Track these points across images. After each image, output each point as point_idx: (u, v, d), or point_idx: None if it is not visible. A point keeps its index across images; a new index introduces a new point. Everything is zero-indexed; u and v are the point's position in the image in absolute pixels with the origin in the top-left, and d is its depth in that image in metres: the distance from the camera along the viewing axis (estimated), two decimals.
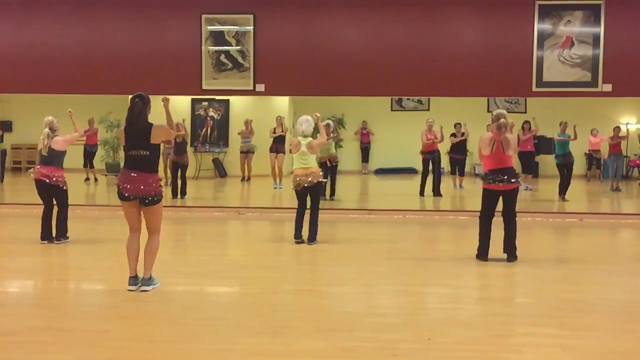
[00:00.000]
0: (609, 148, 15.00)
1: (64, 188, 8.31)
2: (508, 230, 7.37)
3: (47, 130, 8.15)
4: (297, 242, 8.34)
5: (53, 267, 7.42)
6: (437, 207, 12.48)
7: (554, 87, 11.98)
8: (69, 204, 8.46)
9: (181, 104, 17.77)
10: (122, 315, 5.33)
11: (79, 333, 4.83)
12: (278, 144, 15.07)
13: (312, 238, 8.33)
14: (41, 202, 8.41)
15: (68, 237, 8.35)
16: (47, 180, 8.16)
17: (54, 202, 8.34)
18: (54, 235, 8.29)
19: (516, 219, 7.40)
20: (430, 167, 13.72)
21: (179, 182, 12.86)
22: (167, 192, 12.56)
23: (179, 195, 12.79)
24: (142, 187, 5.85)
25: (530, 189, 14.91)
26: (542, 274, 6.95)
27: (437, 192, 13.59)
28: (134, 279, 5.97)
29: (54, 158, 8.19)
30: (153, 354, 4.43)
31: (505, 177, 7.19)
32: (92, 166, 16.14)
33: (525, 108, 19.20)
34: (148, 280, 5.98)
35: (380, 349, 4.53)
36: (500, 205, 7.40)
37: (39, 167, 8.23)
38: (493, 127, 7.34)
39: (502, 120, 7.21)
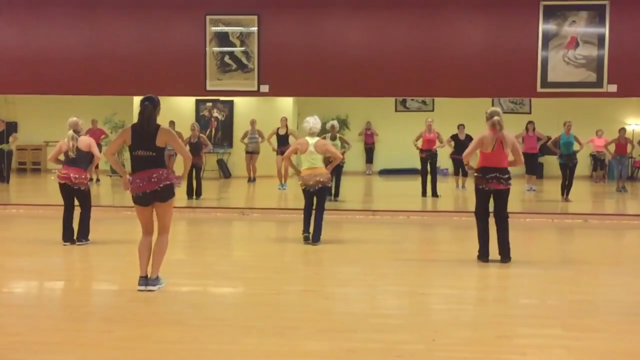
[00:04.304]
0: (615, 149, 14.95)
1: (87, 189, 8.31)
2: (500, 231, 7.36)
3: (71, 131, 8.11)
4: (305, 236, 8.35)
5: (57, 268, 7.43)
6: (441, 207, 12.47)
7: (559, 88, 11.96)
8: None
9: (185, 105, 17.81)
10: (126, 316, 5.34)
11: (83, 333, 4.85)
12: (284, 146, 15.05)
13: (316, 238, 8.33)
14: (60, 203, 8.35)
15: (89, 240, 8.32)
16: (70, 184, 8.15)
17: (76, 204, 8.32)
18: (75, 237, 8.28)
19: (508, 220, 7.38)
20: (429, 167, 13.73)
21: (194, 183, 12.94)
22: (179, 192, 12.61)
23: (194, 196, 12.87)
24: (153, 180, 5.82)
25: (534, 190, 14.87)
26: (546, 275, 6.93)
27: (434, 192, 13.59)
28: (144, 279, 5.97)
29: (81, 159, 8.17)
30: (158, 355, 4.44)
31: (497, 176, 7.20)
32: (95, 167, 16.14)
33: (529, 109, 19.17)
34: (155, 280, 6.00)
35: (384, 350, 4.53)
36: (491, 206, 7.41)
37: (62, 168, 8.19)
38: (488, 124, 7.34)
39: (495, 118, 7.22)
